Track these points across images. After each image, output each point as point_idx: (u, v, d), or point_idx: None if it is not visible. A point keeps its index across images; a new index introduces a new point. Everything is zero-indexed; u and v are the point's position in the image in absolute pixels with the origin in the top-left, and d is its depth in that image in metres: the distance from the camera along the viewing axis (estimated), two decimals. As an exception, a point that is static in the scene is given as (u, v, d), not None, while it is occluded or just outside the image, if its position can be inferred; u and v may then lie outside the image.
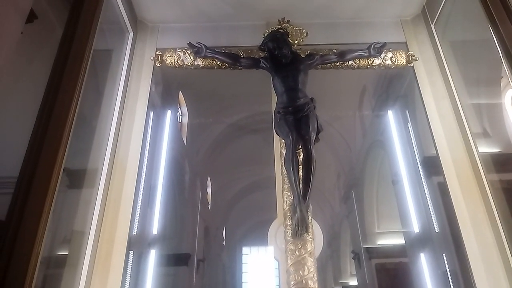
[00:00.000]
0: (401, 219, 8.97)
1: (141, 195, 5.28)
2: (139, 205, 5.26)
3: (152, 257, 6.43)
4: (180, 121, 11.87)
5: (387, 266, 10.74)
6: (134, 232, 5.28)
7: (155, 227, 6.35)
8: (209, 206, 16.16)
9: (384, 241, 11.30)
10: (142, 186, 5.30)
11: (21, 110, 3.88)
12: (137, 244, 5.89)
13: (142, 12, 5.46)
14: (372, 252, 11.21)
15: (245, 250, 23.34)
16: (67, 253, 4.33)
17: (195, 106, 11.85)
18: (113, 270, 3.98)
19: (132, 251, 5.51)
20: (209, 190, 16.08)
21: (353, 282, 14.27)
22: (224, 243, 19.95)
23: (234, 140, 13.33)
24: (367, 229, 11.79)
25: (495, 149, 6.11)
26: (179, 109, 11.76)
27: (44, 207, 2.87)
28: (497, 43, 3.98)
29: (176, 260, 10.85)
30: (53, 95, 3.29)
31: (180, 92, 10.93)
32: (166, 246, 9.51)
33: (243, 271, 22.73)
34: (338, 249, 16.17)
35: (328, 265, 17.72)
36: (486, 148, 5.70)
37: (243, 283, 22.34)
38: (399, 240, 10.09)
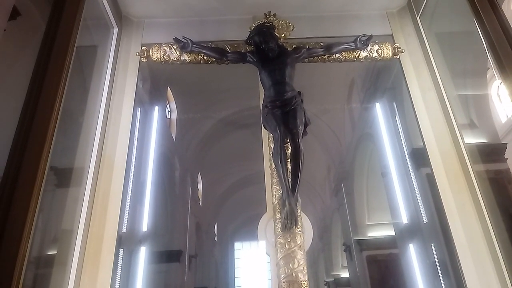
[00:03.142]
0: (390, 211, 9.05)
1: (130, 192, 5.23)
2: (128, 202, 5.22)
3: (143, 254, 6.43)
4: (169, 117, 11.81)
5: (378, 258, 10.86)
6: (124, 230, 5.26)
7: (145, 224, 6.33)
8: (200, 202, 16.16)
9: (375, 233, 11.40)
10: (131, 183, 5.26)
11: (4, 107, 3.83)
12: (127, 242, 5.86)
13: (126, 7, 5.39)
14: (363, 244, 11.33)
15: (237, 245, 23.47)
16: (56, 252, 4.30)
17: (184, 101, 11.79)
18: (103, 268, 3.94)
19: (122, 249, 5.48)
20: (199, 186, 16.06)
21: (345, 274, 14.40)
22: (216, 239, 19.97)
23: (223, 135, 13.32)
24: (357, 222, 11.89)
25: (482, 140, 6.18)
26: (168, 105, 11.70)
27: (29, 206, 2.83)
28: (482, 35, 3.99)
29: (167, 257, 10.85)
30: (36, 92, 3.24)
31: (168, 88, 10.87)
32: (157, 242, 9.49)
33: (235, 266, 22.86)
34: (329, 242, 16.30)
35: (320, 258, 17.88)
36: (472, 139, 5.76)
37: (235, 278, 22.48)
38: (389, 232, 10.19)
